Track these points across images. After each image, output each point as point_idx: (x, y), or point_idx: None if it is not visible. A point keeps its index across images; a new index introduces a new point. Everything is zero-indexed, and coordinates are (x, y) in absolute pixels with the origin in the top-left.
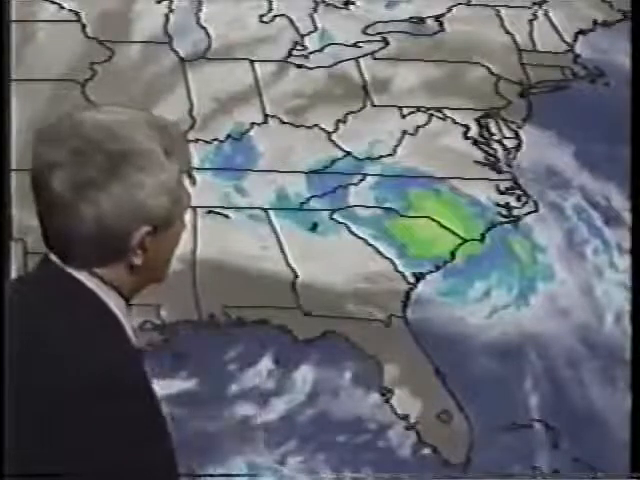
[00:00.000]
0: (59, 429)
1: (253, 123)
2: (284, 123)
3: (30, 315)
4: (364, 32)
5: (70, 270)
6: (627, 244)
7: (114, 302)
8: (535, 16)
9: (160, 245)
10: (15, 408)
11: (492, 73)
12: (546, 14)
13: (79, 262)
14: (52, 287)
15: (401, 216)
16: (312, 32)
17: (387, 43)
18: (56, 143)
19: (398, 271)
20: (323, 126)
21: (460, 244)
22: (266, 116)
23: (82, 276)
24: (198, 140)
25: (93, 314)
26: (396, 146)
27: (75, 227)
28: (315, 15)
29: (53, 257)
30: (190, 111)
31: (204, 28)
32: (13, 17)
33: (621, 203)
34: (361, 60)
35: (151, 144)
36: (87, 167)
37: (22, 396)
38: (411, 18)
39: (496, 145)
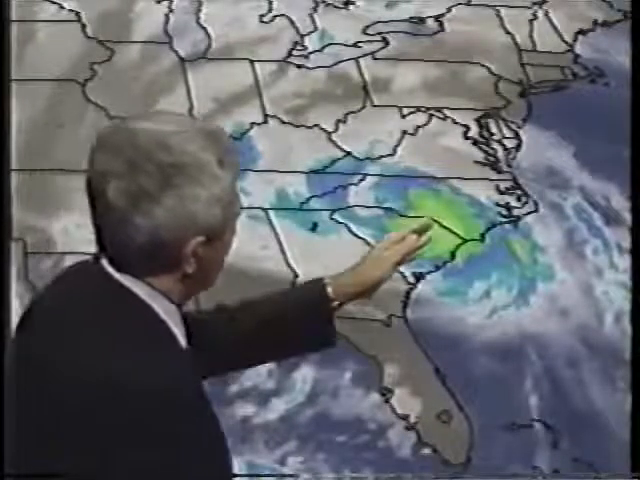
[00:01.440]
0: (108, 439)
1: (253, 123)
2: (284, 123)
3: (68, 317)
4: (364, 32)
5: (118, 277)
6: (627, 244)
7: (163, 309)
8: (535, 16)
9: (213, 253)
10: (41, 413)
11: (492, 73)
12: (546, 14)
13: (131, 270)
14: (99, 293)
15: (401, 216)
16: (312, 32)
17: (387, 43)
18: (112, 152)
19: (398, 271)
20: (323, 126)
21: (460, 244)
22: (266, 116)
23: (130, 283)
24: None
25: (141, 322)
26: (396, 146)
27: (129, 237)
28: (315, 15)
29: (104, 262)
30: (190, 111)
31: (204, 28)
32: (13, 17)
33: (621, 203)
34: (361, 60)
35: (205, 155)
36: (141, 178)
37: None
38: (411, 18)
39: (496, 145)
